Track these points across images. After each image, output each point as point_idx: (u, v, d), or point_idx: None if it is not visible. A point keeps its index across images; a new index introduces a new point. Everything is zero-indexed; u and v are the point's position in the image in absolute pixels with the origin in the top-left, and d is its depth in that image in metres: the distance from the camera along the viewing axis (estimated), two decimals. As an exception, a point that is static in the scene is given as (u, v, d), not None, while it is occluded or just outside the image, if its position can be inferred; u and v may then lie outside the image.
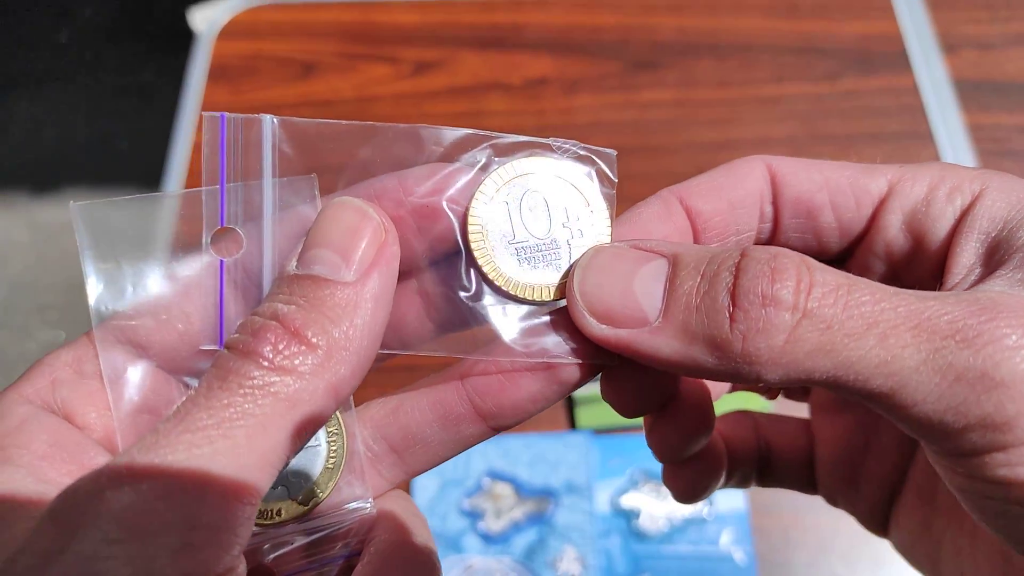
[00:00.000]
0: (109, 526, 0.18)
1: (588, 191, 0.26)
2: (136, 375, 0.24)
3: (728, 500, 0.58)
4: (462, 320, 0.25)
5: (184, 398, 0.20)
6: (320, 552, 0.25)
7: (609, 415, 0.61)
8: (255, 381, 0.20)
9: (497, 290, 0.25)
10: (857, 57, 0.77)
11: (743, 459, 0.33)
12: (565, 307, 0.25)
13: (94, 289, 0.24)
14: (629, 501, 0.59)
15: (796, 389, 0.35)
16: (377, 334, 0.22)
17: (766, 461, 0.34)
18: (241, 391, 0.20)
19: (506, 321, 0.25)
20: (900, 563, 0.56)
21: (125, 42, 1.85)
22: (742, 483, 0.34)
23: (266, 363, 0.20)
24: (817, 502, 0.58)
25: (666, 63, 0.78)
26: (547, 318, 0.25)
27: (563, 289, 0.25)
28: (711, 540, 0.57)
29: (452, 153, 0.25)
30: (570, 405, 0.63)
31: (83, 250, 0.24)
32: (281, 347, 0.20)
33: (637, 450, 0.61)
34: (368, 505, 0.26)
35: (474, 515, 0.59)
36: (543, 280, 0.25)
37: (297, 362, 0.20)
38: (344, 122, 0.25)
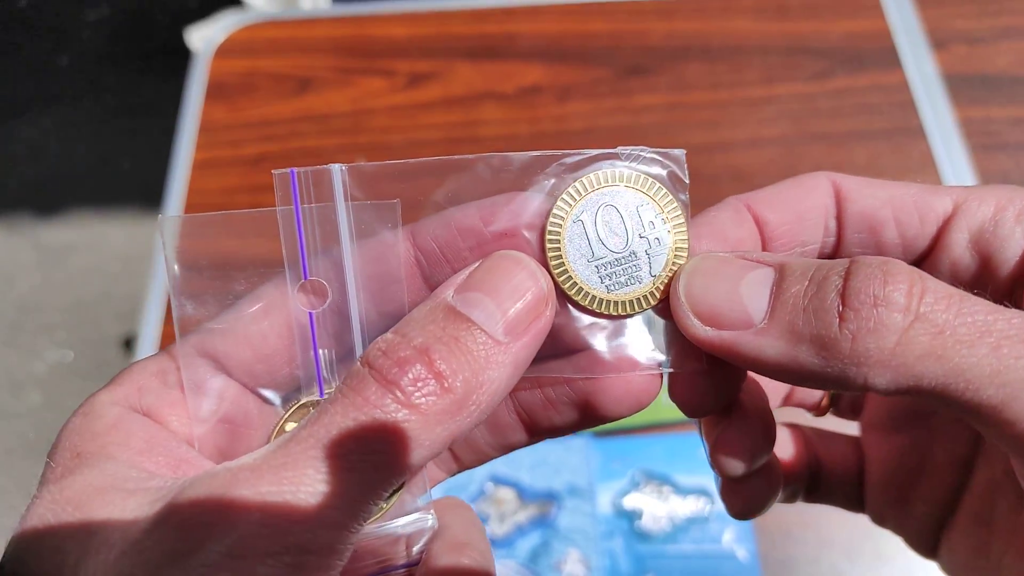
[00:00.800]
0: (234, 543, 0.19)
1: (660, 197, 0.26)
2: (215, 387, 0.25)
3: (729, 498, 0.59)
4: (551, 340, 0.25)
5: (316, 410, 0.21)
6: (383, 561, 0.26)
7: (609, 417, 0.62)
8: (389, 416, 0.20)
9: (582, 310, 0.25)
10: (847, 56, 0.78)
11: (794, 474, 0.33)
12: (651, 317, 0.26)
13: (178, 303, 0.25)
14: (631, 502, 0.60)
15: (847, 406, 0.35)
16: (502, 397, 0.23)
17: (815, 477, 0.33)
18: (374, 425, 0.20)
19: (593, 338, 0.26)
20: (902, 558, 0.56)
21: (124, 63, 1.86)
22: (790, 499, 0.34)
23: (403, 396, 0.21)
24: (818, 498, 0.58)
25: (657, 68, 0.79)
26: (634, 330, 0.26)
27: (646, 301, 0.25)
28: (714, 539, 0.58)
29: (522, 177, 0.25)
30: (571, 409, 0.64)
31: (169, 264, 0.25)
32: (420, 384, 0.21)
33: (638, 452, 0.61)
34: (429, 516, 0.26)
35: (478, 520, 0.60)
36: (626, 295, 0.25)
37: (431, 402, 0.21)
38: (412, 161, 0.25)
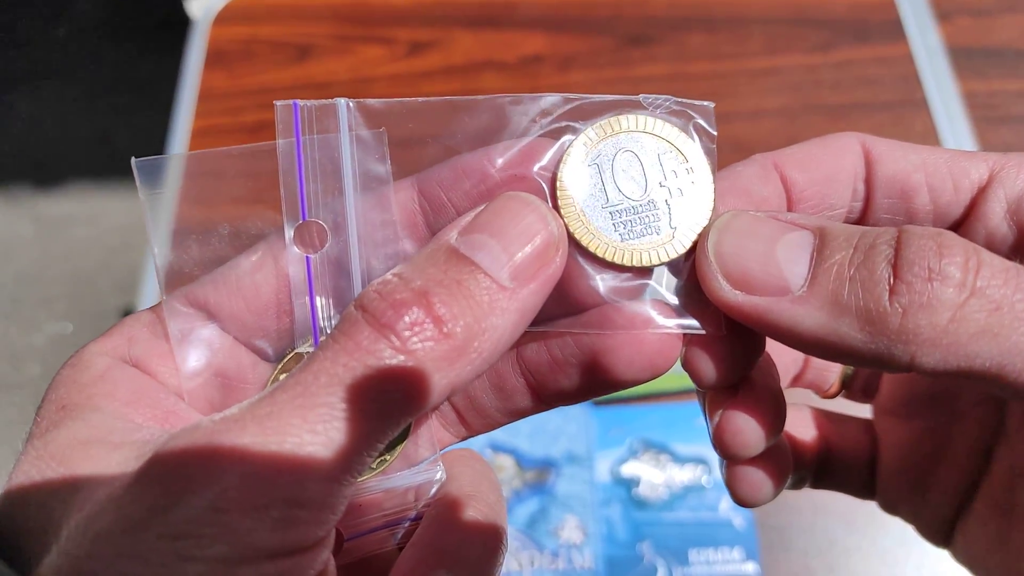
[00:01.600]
0: (216, 496, 0.18)
1: (686, 147, 0.24)
2: (205, 339, 0.24)
3: (727, 467, 0.59)
4: (558, 293, 0.23)
5: (307, 358, 0.20)
6: (389, 514, 0.25)
7: (608, 386, 0.62)
8: (383, 362, 0.19)
9: (591, 257, 0.24)
10: (850, 27, 0.77)
11: (804, 459, 0.31)
12: (667, 273, 0.24)
13: (162, 251, 0.24)
14: (629, 470, 0.60)
15: (859, 389, 0.33)
16: (507, 346, 0.21)
17: (824, 462, 0.32)
18: (366, 371, 0.19)
19: (603, 291, 0.24)
20: (898, 527, 0.57)
21: (122, 34, 1.85)
22: (797, 484, 0.31)
23: (398, 342, 0.19)
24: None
25: (659, 37, 0.78)
26: (649, 285, 0.24)
27: (665, 253, 0.24)
28: (710, 507, 0.58)
29: (537, 121, 0.24)
30: (569, 377, 0.64)
31: (145, 208, 0.23)
32: (417, 329, 0.20)
33: (636, 420, 0.61)
34: (438, 469, 0.25)
35: (476, 487, 0.60)
36: (641, 244, 0.24)
37: (428, 347, 0.20)
38: (420, 99, 0.24)
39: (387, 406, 0.19)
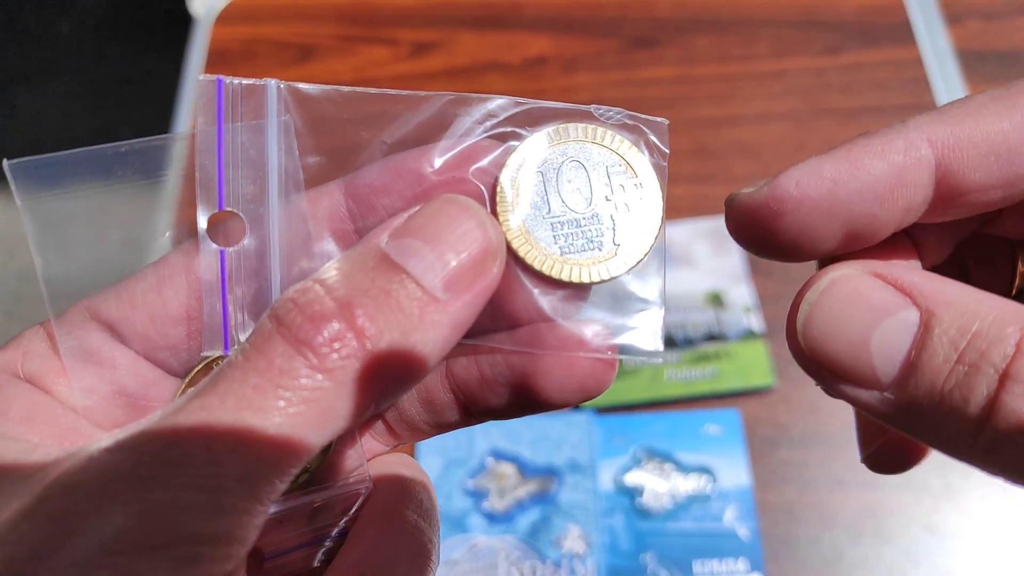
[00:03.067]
0: (110, 536, 0.16)
1: (636, 162, 0.23)
2: (104, 354, 0.22)
3: (732, 476, 0.58)
4: (492, 305, 0.22)
5: (214, 373, 0.18)
6: (313, 531, 0.23)
7: (613, 392, 0.61)
8: (298, 382, 0.18)
9: (528, 270, 0.23)
10: (859, 29, 0.76)
11: None
12: (607, 292, 0.23)
13: (42, 258, 0.21)
14: (632, 479, 0.59)
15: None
16: (437, 361, 0.20)
17: None
18: (275, 390, 0.18)
19: (538, 307, 0.23)
20: (904, 538, 0.56)
21: (126, 33, 1.84)
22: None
23: (315, 360, 0.18)
24: (822, 477, 0.58)
25: (665, 39, 0.77)
26: (587, 304, 0.23)
27: (605, 271, 0.22)
28: (715, 517, 0.57)
29: (482, 123, 0.23)
30: (573, 384, 0.63)
31: (26, 218, 0.21)
32: (338, 345, 0.18)
33: (640, 428, 0.60)
34: (365, 479, 0.24)
35: (478, 495, 0.59)
36: (582, 259, 0.23)
37: (350, 364, 0.18)
38: (360, 89, 0.22)
39: (300, 430, 0.18)
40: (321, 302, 0.18)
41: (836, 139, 0.71)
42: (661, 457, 0.60)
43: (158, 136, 0.21)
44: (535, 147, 0.23)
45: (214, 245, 0.22)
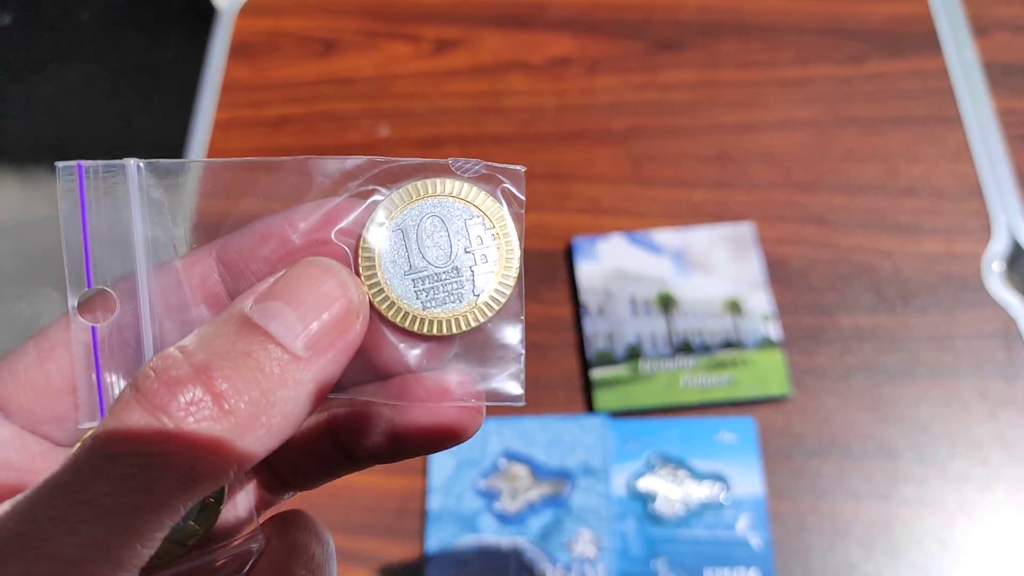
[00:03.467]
0: None
1: (493, 212, 0.24)
2: None
3: (745, 485, 0.58)
4: (362, 360, 0.23)
5: (76, 448, 0.18)
6: None
7: (627, 397, 0.61)
8: (151, 447, 0.18)
9: (392, 326, 0.23)
10: (885, 39, 0.76)
11: None
12: (469, 342, 0.24)
13: None
14: (645, 485, 0.59)
15: None
16: (302, 417, 0.20)
17: None
18: (130, 457, 0.18)
19: (404, 360, 0.24)
20: (917, 552, 0.55)
21: (146, 20, 1.85)
22: None
23: (169, 423, 0.18)
24: (836, 488, 0.57)
25: (689, 43, 0.77)
26: (450, 355, 0.24)
27: (465, 322, 0.23)
28: (727, 525, 0.57)
29: (343, 184, 0.24)
30: (587, 387, 0.63)
31: None
32: (194, 409, 0.18)
33: (654, 434, 0.60)
34: (255, 537, 0.24)
35: (490, 495, 0.59)
36: (443, 313, 0.24)
37: (206, 428, 0.18)
38: (220, 160, 0.23)
39: (155, 496, 0.18)
40: (179, 367, 0.19)
41: (858, 148, 0.70)
42: (675, 463, 0.59)
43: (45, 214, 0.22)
44: (394, 205, 0.24)
45: (85, 321, 0.22)
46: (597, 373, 0.62)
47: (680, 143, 0.72)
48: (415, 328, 0.23)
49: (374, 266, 0.23)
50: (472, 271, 0.24)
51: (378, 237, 0.23)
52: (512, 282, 0.24)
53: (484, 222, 0.24)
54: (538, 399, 0.63)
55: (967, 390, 0.61)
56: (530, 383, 0.63)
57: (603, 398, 0.61)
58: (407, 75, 0.78)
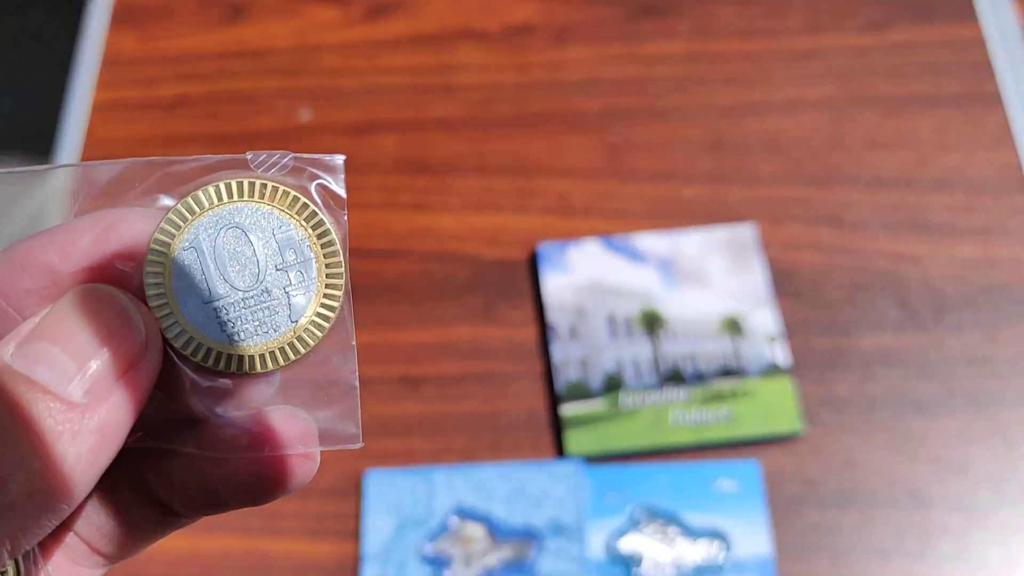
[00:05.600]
0: None
1: (307, 217, 0.24)
2: None
3: (749, 543, 0.59)
4: (163, 401, 0.23)
5: None
6: None
7: (606, 438, 0.61)
8: None
9: (192, 364, 0.23)
10: (910, 2, 0.78)
11: None
12: (290, 378, 0.24)
13: None
14: (629, 544, 0.59)
15: None
16: (91, 478, 0.20)
17: None
18: None
19: (212, 404, 0.24)
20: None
21: (9, -22, 1.83)
22: None
23: None
24: (859, 544, 0.58)
25: (677, 8, 0.78)
26: (268, 395, 0.24)
27: (283, 355, 0.24)
28: (729, 592, 0.57)
29: (118, 192, 0.23)
30: (556, 427, 0.63)
31: None
32: None
33: (639, 482, 0.61)
34: None
35: (439, 562, 0.59)
36: (254, 346, 0.24)
37: None
38: None
39: None
40: None
41: (880, 132, 0.71)
42: (664, 518, 0.60)
43: None
44: (185, 217, 0.23)
45: None
46: (568, 409, 0.63)
47: (667, 128, 0.73)
48: (222, 366, 0.23)
49: (165, 294, 0.23)
50: (287, 292, 0.24)
51: (168, 258, 0.23)
52: (338, 301, 0.24)
53: (297, 230, 0.24)
54: (496, 442, 0.63)
55: (1013, 423, 0.62)
56: (486, 422, 0.63)
57: (576, 440, 0.62)
58: (333, 46, 0.78)
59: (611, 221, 0.70)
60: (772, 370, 0.63)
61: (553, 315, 0.65)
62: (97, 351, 0.21)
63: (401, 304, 0.68)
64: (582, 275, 0.67)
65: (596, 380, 0.63)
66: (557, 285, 0.66)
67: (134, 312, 0.22)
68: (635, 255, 0.67)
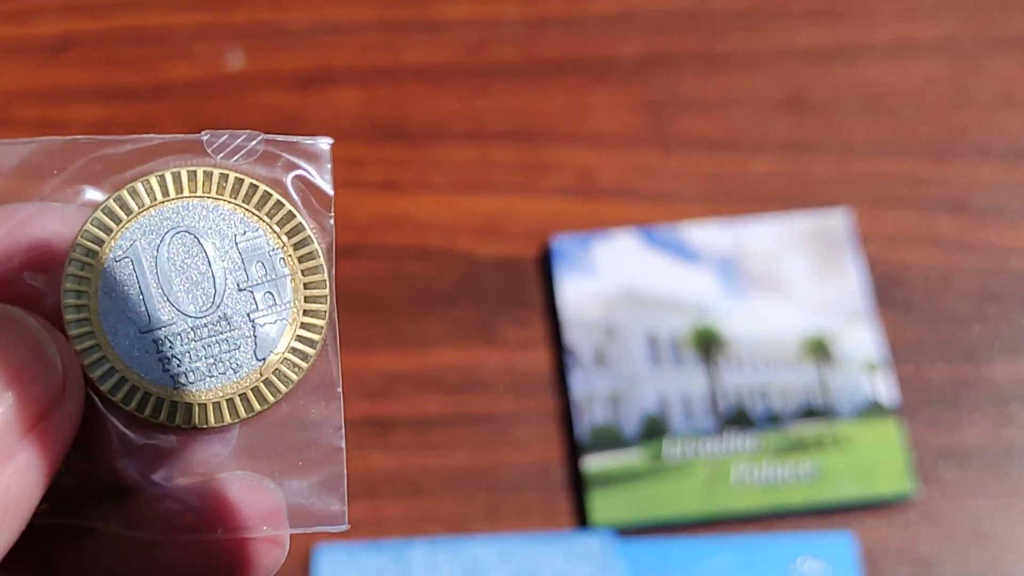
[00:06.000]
0: None
1: (280, 217, 0.24)
2: None
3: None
4: (82, 464, 0.24)
5: None
6: None
7: (645, 503, 0.61)
8: None
9: (123, 414, 0.24)
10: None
11: None
12: (252, 432, 0.24)
13: None
14: (676, 648, 0.59)
15: None
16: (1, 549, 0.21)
17: None
18: None
19: (150, 468, 0.24)
20: None
21: None
22: None
23: None
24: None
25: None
26: (223, 454, 0.25)
27: (246, 405, 0.24)
28: None
29: (30, 184, 0.24)
30: (577, 486, 0.63)
31: None
32: None
33: (691, 563, 0.61)
34: None
35: (415, 672, 0.59)
36: (208, 391, 0.24)
37: None
38: None
39: None
40: None
41: (1020, 86, 0.71)
42: (724, 612, 0.60)
43: None
44: (118, 217, 0.24)
45: None
46: (594, 462, 0.62)
47: (729, 80, 0.73)
48: (163, 418, 0.23)
49: (89, 319, 0.23)
50: (252, 320, 0.24)
51: (95, 271, 0.23)
52: (319, 333, 0.24)
53: (267, 236, 0.24)
54: (495, 507, 0.63)
55: None
56: (482, 480, 0.63)
57: (604, 504, 0.62)
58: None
59: (652, 206, 0.70)
60: (872, 410, 0.63)
61: (573, 334, 0.66)
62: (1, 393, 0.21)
63: (365, 319, 0.68)
64: (612, 280, 0.67)
65: (631, 423, 0.63)
66: (578, 293, 0.66)
67: (47, 343, 0.22)
68: (685, 252, 0.67)
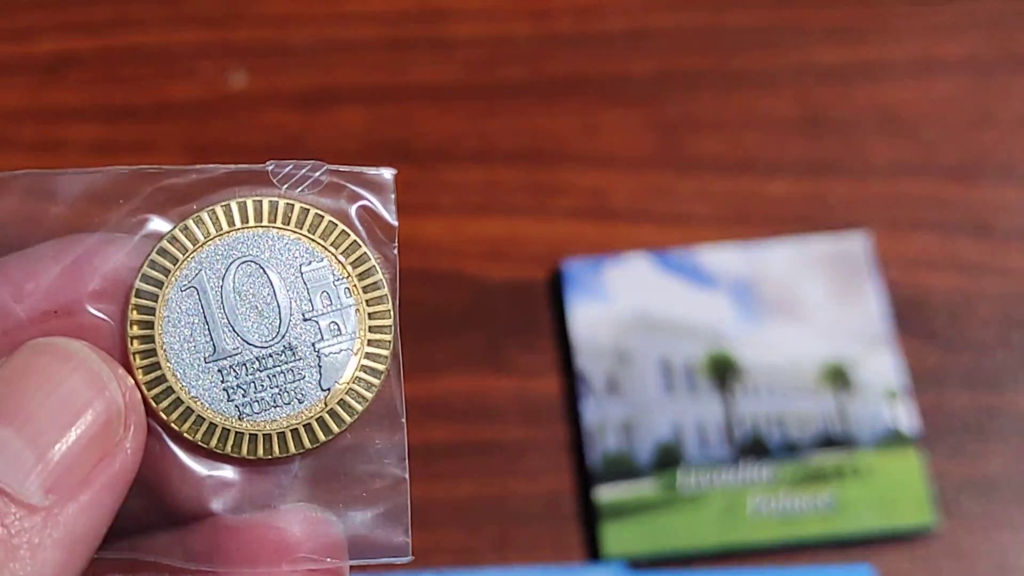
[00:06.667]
0: None
1: (345, 248, 0.25)
2: None
3: None
4: (146, 495, 0.24)
5: None
6: None
7: (659, 534, 0.61)
8: None
9: (188, 444, 0.24)
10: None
11: None
12: (316, 463, 0.25)
13: None
14: None
15: None
16: None
17: None
18: None
19: (214, 498, 0.24)
20: None
21: None
22: None
23: None
24: None
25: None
26: (286, 486, 0.25)
27: (311, 436, 0.24)
28: None
29: (95, 213, 0.24)
30: (589, 517, 0.63)
31: None
32: None
33: (705, 597, 0.60)
34: None
35: None
36: (273, 421, 0.24)
37: None
38: None
39: None
40: None
41: None
42: (740, 648, 0.60)
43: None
44: (184, 247, 0.24)
45: None
46: (606, 493, 0.62)
47: (744, 99, 0.73)
48: (228, 448, 0.24)
49: (154, 350, 0.24)
50: (316, 350, 0.24)
51: (159, 301, 0.24)
52: (384, 363, 0.25)
53: (332, 267, 0.25)
54: (503, 538, 0.63)
55: None
56: (490, 511, 0.63)
57: (617, 536, 0.61)
58: (278, -17, 0.79)
59: (665, 229, 0.70)
60: (893, 439, 0.63)
61: (584, 360, 0.66)
62: (62, 433, 0.21)
63: (370, 344, 0.68)
64: (624, 304, 0.67)
65: (645, 452, 0.63)
66: (589, 318, 0.66)
67: (109, 376, 0.22)
68: (699, 276, 0.67)
